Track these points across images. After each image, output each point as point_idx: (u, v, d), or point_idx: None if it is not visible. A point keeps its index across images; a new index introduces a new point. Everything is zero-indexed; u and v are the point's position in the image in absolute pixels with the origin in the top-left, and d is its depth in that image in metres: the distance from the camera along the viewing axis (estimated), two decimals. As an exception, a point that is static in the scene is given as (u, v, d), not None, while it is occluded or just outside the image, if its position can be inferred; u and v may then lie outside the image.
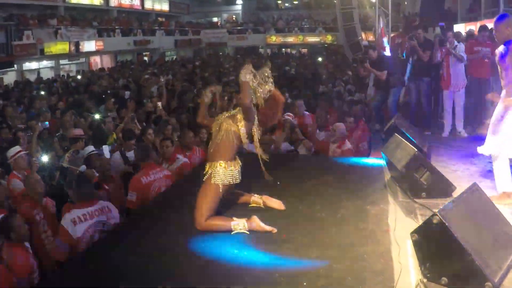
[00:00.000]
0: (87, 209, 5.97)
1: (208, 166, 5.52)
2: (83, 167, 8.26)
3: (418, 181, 6.10)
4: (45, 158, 8.47)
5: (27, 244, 5.79)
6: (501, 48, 6.28)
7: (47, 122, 11.95)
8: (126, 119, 11.04)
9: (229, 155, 5.45)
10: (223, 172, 5.38)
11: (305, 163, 8.23)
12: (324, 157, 9.03)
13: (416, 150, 6.24)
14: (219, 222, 5.32)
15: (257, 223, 5.24)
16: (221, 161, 5.41)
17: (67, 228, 5.76)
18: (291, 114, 10.50)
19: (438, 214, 4.04)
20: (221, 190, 5.39)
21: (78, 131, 9.87)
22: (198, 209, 5.33)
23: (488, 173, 7.43)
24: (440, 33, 11.33)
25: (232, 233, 5.20)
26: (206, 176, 5.47)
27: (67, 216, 5.86)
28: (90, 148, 8.83)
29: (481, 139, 8.51)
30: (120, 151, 9.09)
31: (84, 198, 6.10)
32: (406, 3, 45.85)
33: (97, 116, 11.80)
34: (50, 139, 10.13)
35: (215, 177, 5.38)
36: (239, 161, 5.56)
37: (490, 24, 12.09)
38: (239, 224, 5.25)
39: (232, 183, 5.47)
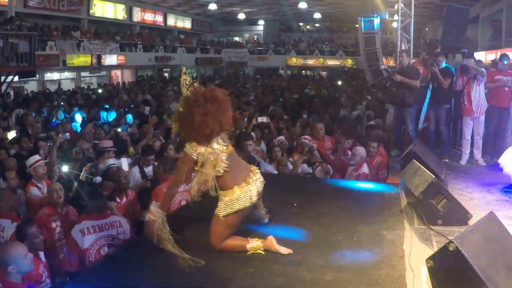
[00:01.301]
0: (98, 222, 6.04)
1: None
2: (98, 178, 8.33)
3: (435, 208, 6.09)
4: (64, 169, 8.52)
5: (41, 253, 5.82)
6: None
7: (67, 134, 12.06)
8: (149, 135, 11.11)
9: (227, 185, 5.21)
10: (229, 202, 5.17)
11: (322, 185, 8.21)
12: (341, 180, 9.02)
13: (433, 177, 6.23)
14: (235, 243, 5.25)
15: (273, 244, 5.18)
16: (222, 193, 5.21)
17: (75, 238, 5.84)
18: (308, 137, 10.51)
19: (454, 241, 4.04)
20: (233, 219, 5.22)
21: (107, 143, 9.91)
22: (212, 233, 5.24)
23: (505, 202, 7.43)
24: (462, 60, 11.27)
25: (247, 253, 5.16)
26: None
27: (77, 227, 5.94)
28: (110, 161, 8.90)
29: (498, 168, 8.53)
30: (139, 165, 9.14)
31: (95, 211, 6.16)
32: (427, 29, 45.98)
33: (119, 130, 11.88)
34: (69, 150, 10.21)
35: (220, 210, 5.19)
36: (251, 178, 5.30)
37: (510, 53, 12.12)
38: (254, 246, 5.20)
39: (245, 206, 5.22)
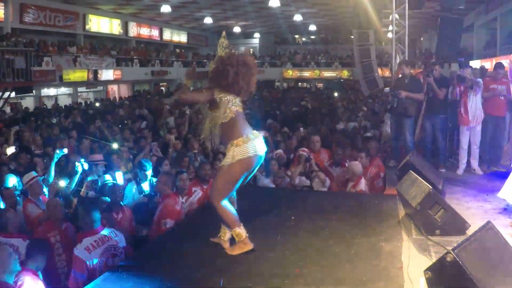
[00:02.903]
0: (97, 236, 6.04)
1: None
2: (92, 193, 8.35)
3: (433, 219, 6.09)
4: (62, 184, 8.52)
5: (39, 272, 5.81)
6: None
7: (63, 149, 12.04)
8: (145, 150, 11.12)
9: (234, 134, 5.64)
10: (233, 152, 5.56)
11: (319, 198, 8.21)
12: (339, 193, 9.02)
13: (431, 187, 6.23)
14: (229, 216, 5.65)
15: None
16: (229, 143, 5.66)
17: (82, 258, 5.81)
18: (306, 149, 10.51)
19: (452, 252, 4.04)
20: (236, 170, 5.59)
21: (97, 157, 9.94)
22: (213, 187, 5.73)
23: (503, 211, 7.43)
24: (458, 69, 11.29)
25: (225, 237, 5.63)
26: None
27: (80, 246, 5.91)
28: (106, 176, 8.91)
29: (495, 177, 8.52)
30: (135, 180, 9.14)
31: (92, 225, 6.16)
32: (422, 39, 46.18)
33: (115, 145, 11.86)
34: (67, 166, 10.19)
35: (225, 160, 5.63)
36: (255, 134, 5.72)
37: (505, 61, 12.14)
38: (239, 233, 5.61)
39: (249, 156, 5.58)
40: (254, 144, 5.61)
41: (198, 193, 8.31)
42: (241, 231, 5.60)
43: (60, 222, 6.90)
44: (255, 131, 5.78)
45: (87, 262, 5.77)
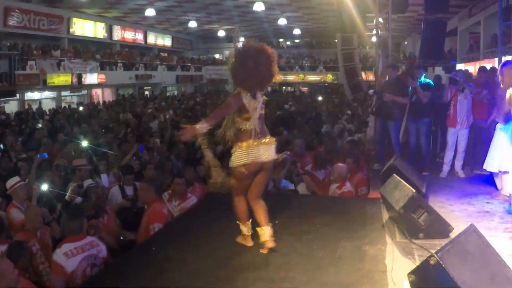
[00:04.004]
0: (78, 243, 5.99)
1: None
2: (78, 199, 8.30)
3: (416, 222, 6.11)
4: (45, 189, 8.46)
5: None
6: None
7: (46, 154, 11.96)
8: (129, 154, 11.08)
9: (240, 138, 5.76)
10: (238, 155, 5.73)
11: (303, 202, 8.21)
12: (323, 196, 9.03)
13: (414, 191, 6.25)
14: (238, 211, 5.98)
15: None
16: (236, 144, 5.81)
17: (60, 263, 5.76)
18: (288, 152, 10.52)
19: (435, 255, 4.05)
20: (242, 172, 5.75)
21: (81, 161, 9.88)
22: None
23: (486, 214, 7.48)
24: (443, 73, 11.35)
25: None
26: None
27: (59, 251, 5.86)
28: (89, 181, 8.85)
29: (478, 180, 8.57)
30: (119, 185, 9.10)
31: (75, 232, 6.11)
32: (406, 43, 46.39)
33: (84, 143, 11.85)
34: (49, 170, 10.14)
35: (231, 162, 5.80)
36: (264, 141, 5.80)
37: (489, 65, 12.22)
38: (242, 229, 5.97)
39: (252, 162, 5.72)
40: (259, 152, 5.73)
41: (193, 199, 8.29)
42: (244, 228, 5.95)
43: (36, 230, 6.85)
44: (270, 138, 5.90)
45: (65, 268, 5.73)
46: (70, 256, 5.81)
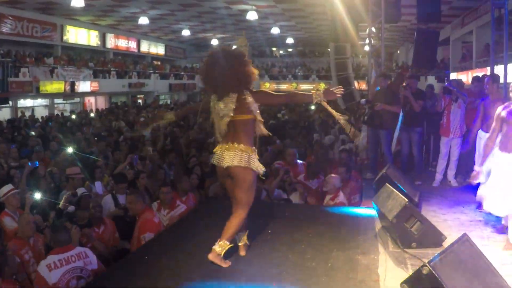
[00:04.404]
0: (64, 255, 5.97)
1: None
2: (71, 208, 8.28)
3: (409, 231, 6.13)
4: (37, 197, 8.44)
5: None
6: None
7: (37, 162, 11.92)
8: (123, 164, 11.06)
9: (249, 142, 5.74)
10: (256, 159, 5.77)
11: (296, 211, 8.20)
12: (316, 206, 9.04)
13: (407, 200, 6.27)
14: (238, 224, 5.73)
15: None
16: (251, 148, 5.76)
17: (42, 275, 5.76)
18: (281, 162, 10.53)
19: (428, 265, 4.07)
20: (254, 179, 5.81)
21: (74, 170, 9.86)
22: (246, 187, 5.73)
23: (479, 223, 7.50)
24: (435, 83, 11.39)
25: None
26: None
27: (43, 263, 5.87)
28: (82, 189, 8.84)
29: (471, 189, 8.59)
30: (111, 194, 9.09)
31: (60, 244, 6.09)
32: (399, 52, 46.52)
33: (69, 149, 11.85)
34: (41, 178, 10.12)
35: (253, 163, 5.71)
36: (227, 144, 5.71)
37: (481, 73, 12.25)
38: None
39: (216, 164, 5.77)
40: (218, 155, 5.74)
41: (181, 207, 8.28)
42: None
43: (29, 237, 6.84)
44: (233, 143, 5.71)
45: (47, 280, 5.71)
46: (52, 268, 5.81)
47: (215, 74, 5.68)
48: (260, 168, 5.78)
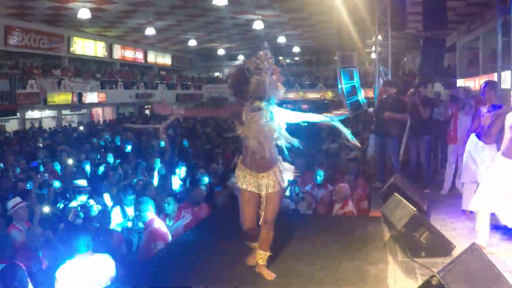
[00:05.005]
0: (83, 261, 5.98)
1: None
2: (79, 220, 8.30)
3: (418, 241, 6.11)
4: (46, 210, 8.46)
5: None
6: None
7: (46, 175, 11.95)
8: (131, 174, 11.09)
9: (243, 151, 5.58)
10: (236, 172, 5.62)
11: (305, 221, 8.21)
12: (324, 216, 9.02)
13: (415, 210, 6.26)
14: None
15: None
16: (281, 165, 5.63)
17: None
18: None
19: (437, 275, 4.05)
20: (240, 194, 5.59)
21: (81, 182, 9.88)
22: (277, 207, 5.63)
23: (490, 231, 7.44)
24: (442, 90, 11.38)
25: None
26: None
27: (62, 268, 5.87)
28: (90, 201, 8.87)
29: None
30: (120, 205, 9.09)
31: (80, 250, 6.10)
32: (405, 59, 46.44)
33: (70, 161, 11.87)
34: (50, 190, 10.14)
35: (284, 181, 5.60)
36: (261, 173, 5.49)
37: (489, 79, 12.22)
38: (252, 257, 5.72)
39: (247, 188, 5.49)
40: (247, 180, 5.50)
41: (187, 217, 8.27)
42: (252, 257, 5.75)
43: (38, 250, 6.85)
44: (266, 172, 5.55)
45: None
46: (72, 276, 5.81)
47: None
48: None
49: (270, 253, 5.66)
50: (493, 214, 6.69)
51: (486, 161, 7.71)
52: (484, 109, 8.04)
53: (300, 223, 8.00)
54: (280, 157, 5.59)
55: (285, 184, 5.67)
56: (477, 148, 7.97)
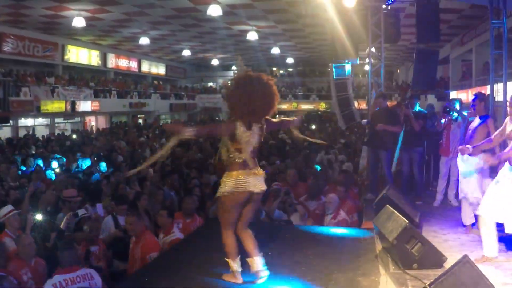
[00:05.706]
0: (70, 275, 5.99)
1: None
2: (70, 230, 8.29)
3: (410, 252, 6.12)
4: (39, 218, 8.43)
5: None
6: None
7: (39, 182, 11.92)
8: (121, 184, 11.05)
9: (230, 167, 5.66)
10: (225, 183, 5.61)
11: (296, 233, 8.19)
12: (316, 227, 9.02)
13: (407, 222, 6.27)
14: (227, 246, 5.72)
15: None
16: (225, 173, 5.71)
17: None
18: (278, 183, 10.53)
19: (428, 287, 4.05)
20: (228, 202, 5.64)
21: (71, 192, 9.83)
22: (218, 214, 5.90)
23: (480, 243, 7.43)
24: (435, 102, 11.44)
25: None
26: None
27: (49, 282, 5.87)
28: (82, 211, 8.85)
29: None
30: (112, 215, 9.07)
31: (67, 263, 6.09)
32: (399, 71, 46.62)
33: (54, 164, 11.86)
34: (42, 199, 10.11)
35: (219, 191, 5.68)
36: (253, 173, 5.67)
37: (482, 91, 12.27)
38: (231, 266, 5.68)
39: (238, 191, 5.58)
40: (248, 183, 5.61)
41: (175, 234, 8.18)
42: (233, 264, 5.68)
43: (30, 258, 6.83)
44: (259, 171, 5.79)
45: None
46: (58, 288, 5.80)
47: (256, 101, 5.65)
48: None
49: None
50: (498, 225, 6.70)
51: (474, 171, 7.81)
52: (474, 121, 8.14)
53: (292, 234, 8.00)
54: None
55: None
56: (465, 160, 8.02)
